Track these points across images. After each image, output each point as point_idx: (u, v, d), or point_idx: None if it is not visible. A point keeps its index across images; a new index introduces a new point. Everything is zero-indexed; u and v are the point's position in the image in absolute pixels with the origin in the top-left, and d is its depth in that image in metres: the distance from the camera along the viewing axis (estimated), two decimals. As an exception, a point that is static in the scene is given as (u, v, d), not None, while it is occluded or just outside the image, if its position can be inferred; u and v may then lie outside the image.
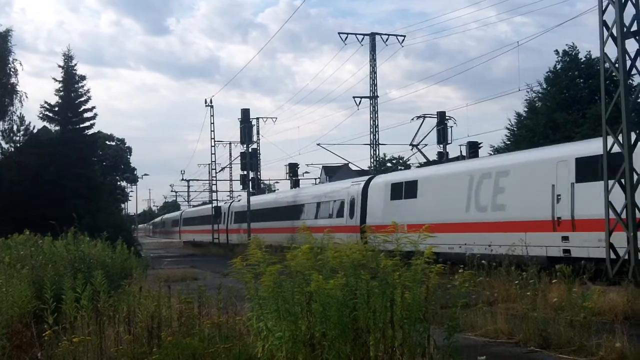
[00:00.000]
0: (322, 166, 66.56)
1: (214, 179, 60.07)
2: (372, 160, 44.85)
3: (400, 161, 63.63)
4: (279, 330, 6.12)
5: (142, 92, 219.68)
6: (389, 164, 64.22)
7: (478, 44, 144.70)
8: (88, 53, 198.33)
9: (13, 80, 40.11)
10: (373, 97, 44.11)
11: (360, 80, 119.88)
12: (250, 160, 43.64)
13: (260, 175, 57.93)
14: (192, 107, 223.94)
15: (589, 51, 44.53)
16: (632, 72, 15.66)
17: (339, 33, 43.99)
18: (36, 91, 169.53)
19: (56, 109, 41.64)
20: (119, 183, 65.67)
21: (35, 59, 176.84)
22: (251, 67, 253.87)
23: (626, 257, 14.92)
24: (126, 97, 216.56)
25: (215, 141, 54.48)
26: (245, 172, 44.60)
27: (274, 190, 69.62)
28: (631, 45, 15.50)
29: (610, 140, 15.48)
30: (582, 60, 44.34)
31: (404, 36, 44.70)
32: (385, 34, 44.61)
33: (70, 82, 41.67)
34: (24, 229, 18.85)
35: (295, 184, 50.81)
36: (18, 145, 40.77)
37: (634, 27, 15.44)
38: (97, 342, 7.44)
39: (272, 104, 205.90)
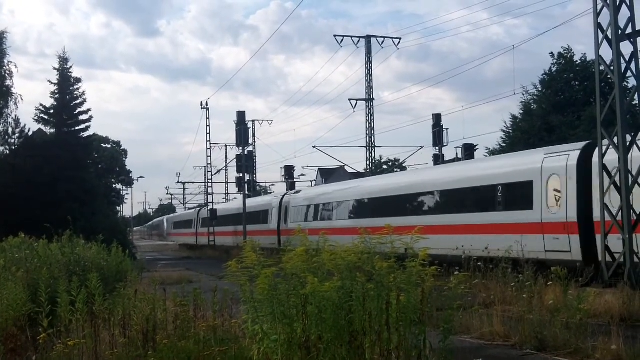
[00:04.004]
0: (318, 169, 66.66)
1: (210, 181, 60.06)
2: (368, 163, 44.88)
3: (396, 163, 63.72)
4: (275, 333, 6.10)
5: (134, 94, 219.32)
6: (385, 167, 64.28)
7: (470, 46, 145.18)
8: (79, 55, 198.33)
9: (8, 82, 39.82)
10: (369, 100, 44.13)
11: (354, 83, 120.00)
12: (246, 162, 43.52)
13: (256, 177, 57.91)
14: (185, 109, 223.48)
15: (584, 54, 44.69)
16: (627, 75, 15.70)
17: (334, 35, 44.18)
18: (27, 93, 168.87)
19: (51, 111, 41.53)
20: (114, 186, 65.48)
21: (25, 61, 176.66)
22: (243, 68, 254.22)
23: (621, 259, 14.93)
24: (118, 99, 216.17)
25: (211, 144, 54.48)
26: (241, 175, 44.53)
27: (269, 193, 67.04)
28: (626, 47, 15.55)
29: (605, 142, 15.50)
30: (577, 63, 44.46)
31: (400, 39, 44.73)
32: (381, 37, 44.68)
33: (66, 84, 41.53)
34: (19, 232, 18.78)
35: (291, 186, 50.76)
36: (13, 147, 40.57)
37: (629, 30, 15.47)
38: (92, 346, 7.42)
39: (265, 106, 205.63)
